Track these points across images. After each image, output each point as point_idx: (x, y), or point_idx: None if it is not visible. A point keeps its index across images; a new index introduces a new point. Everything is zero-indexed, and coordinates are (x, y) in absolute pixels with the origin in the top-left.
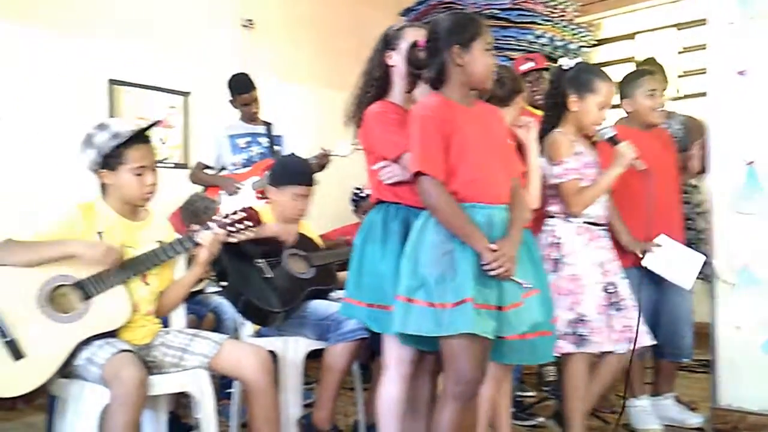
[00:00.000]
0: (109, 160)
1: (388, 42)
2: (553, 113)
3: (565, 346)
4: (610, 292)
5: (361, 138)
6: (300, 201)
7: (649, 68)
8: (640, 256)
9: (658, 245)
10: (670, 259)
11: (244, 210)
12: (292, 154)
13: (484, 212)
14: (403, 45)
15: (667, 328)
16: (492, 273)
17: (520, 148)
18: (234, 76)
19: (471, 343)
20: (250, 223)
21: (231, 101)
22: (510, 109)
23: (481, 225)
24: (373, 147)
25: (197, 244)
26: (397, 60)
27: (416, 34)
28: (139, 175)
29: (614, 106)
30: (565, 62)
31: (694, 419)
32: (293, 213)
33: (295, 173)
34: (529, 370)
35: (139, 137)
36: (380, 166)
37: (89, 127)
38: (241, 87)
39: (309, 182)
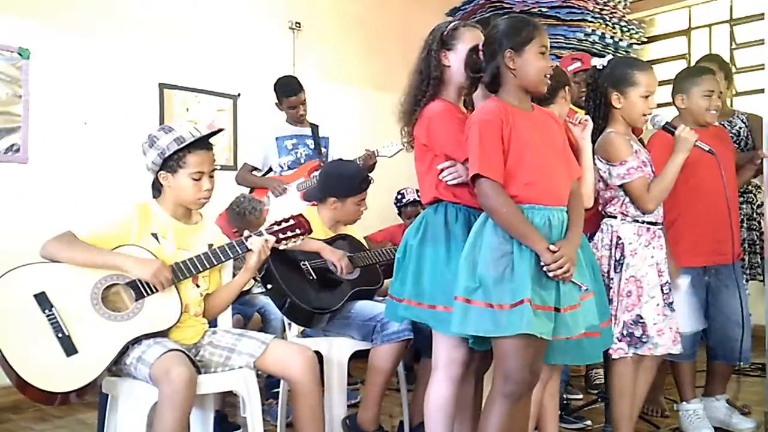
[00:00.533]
0: (170, 163)
1: (444, 41)
2: (598, 114)
3: (622, 348)
4: (666, 293)
5: (420, 136)
6: (362, 205)
7: (710, 66)
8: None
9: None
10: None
11: (293, 218)
12: (341, 160)
13: (543, 213)
14: (459, 45)
15: (718, 330)
16: (551, 274)
17: (572, 146)
18: (280, 79)
19: (525, 344)
20: (300, 231)
21: (277, 104)
22: (555, 105)
23: (539, 226)
24: (437, 146)
25: (249, 250)
26: (453, 60)
27: (472, 35)
28: (196, 179)
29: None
30: (598, 62)
31: (746, 423)
32: (354, 217)
33: (355, 181)
34: (576, 372)
35: (202, 143)
36: (444, 166)
37: (153, 129)
38: (287, 90)
39: (368, 185)
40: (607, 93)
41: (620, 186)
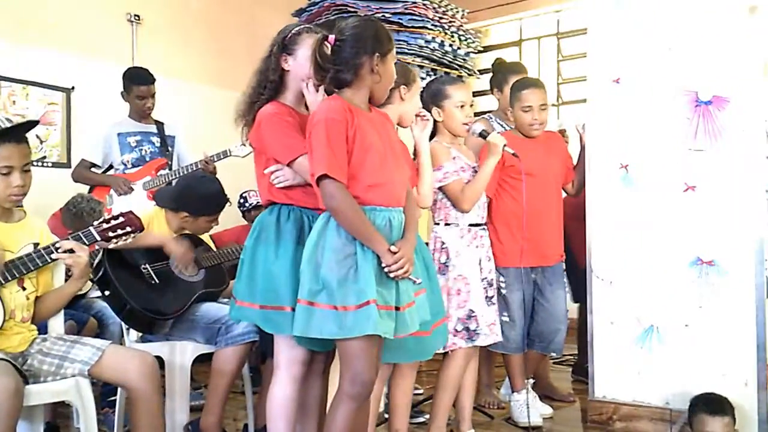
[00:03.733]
0: None
1: (285, 46)
2: None
3: (458, 342)
4: (486, 287)
5: (252, 139)
6: (214, 222)
7: (533, 80)
8: None
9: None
10: None
11: (123, 215)
12: (203, 176)
13: (384, 215)
14: (300, 51)
15: (540, 323)
16: (392, 275)
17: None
18: (131, 68)
19: (369, 345)
20: (130, 229)
21: (123, 93)
22: (392, 105)
23: (380, 228)
24: (266, 149)
25: (69, 251)
26: (292, 65)
27: (314, 41)
28: (5, 174)
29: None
30: (422, 83)
31: (545, 409)
32: (203, 232)
33: (212, 203)
34: (420, 367)
35: (11, 135)
36: (271, 170)
37: None
38: (139, 78)
39: (224, 206)
40: (429, 109)
41: (439, 189)
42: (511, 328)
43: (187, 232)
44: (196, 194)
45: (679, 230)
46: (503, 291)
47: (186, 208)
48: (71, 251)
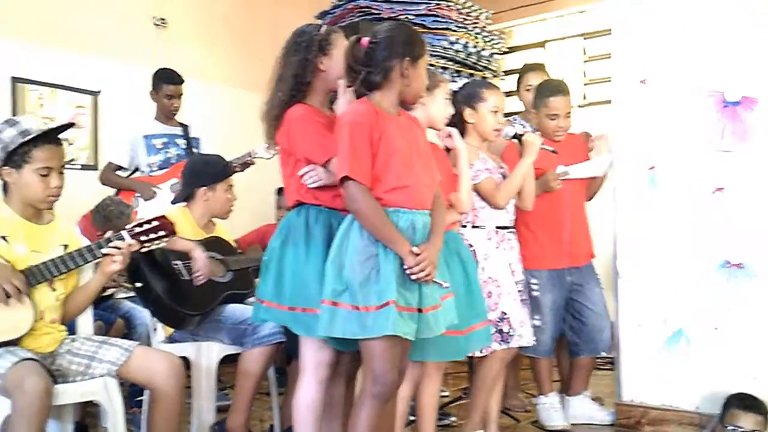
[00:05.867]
0: (14, 158)
1: (321, 46)
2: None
3: (492, 345)
4: (519, 290)
5: (281, 140)
6: (230, 192)
7: (560, 86)
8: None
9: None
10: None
11: (157, 219)
12: (199, 153)
13: (407, 217)
14: (335, 51)
15: (584, 326)
16: (413, 277)
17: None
18: (162, 68)
19: (391, 345)
20: (163, 233)
21: (152, 93)
22: (420, 109)
23: (403, 230)
24: (297, 150)
25: (106, 254)
26: (328, 65)
27: (347, 42)
28: (44, 176)
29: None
30: (454, 85)
31: (610, 416)
32: (227, 207)
33: (220, 166)
34: (446, 370)
35: (49, 137)
36: (305, 171)
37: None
38: (169, 78)
39: (233, 171)
40: (461, 110)
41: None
42: (542, 331)
43: (216, 235)
44: (202, 164)
45: (707, 232)
46: (535, 293)
47: (200, 182)
48: (117, 247)
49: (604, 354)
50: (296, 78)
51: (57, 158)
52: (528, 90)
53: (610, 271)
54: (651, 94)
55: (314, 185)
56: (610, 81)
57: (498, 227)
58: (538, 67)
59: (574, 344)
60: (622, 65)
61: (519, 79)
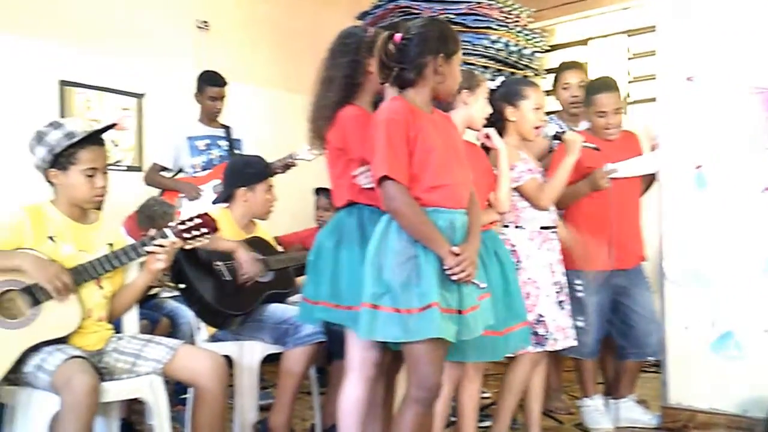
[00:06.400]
0: (60, 160)
1: (369, 49)
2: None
3: (527, 347)
4: (558, 292)
5: (336, 140)
6: (270, 193)
7: (607, 83)
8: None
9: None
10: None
11: (199, 216)
12: (239, 154)
13: (446, 217)
14: None
15: (632, 328)
16: (454, 277)
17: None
18: (207, 70)
19: (434, 348)
20: (206, 230)
21: (196, 94)
22: (457, 109)
23: (442, 229)
24: (353, 150)
25: (151, 252)
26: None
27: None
28: (90, 176)
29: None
30: (491, 84)
31: (655, 420)
32: (266, 208)
33: (260, 167)
34: (487, 371)
35: (93, 138)
36: (360, 171)
37: (40, 125)
38: (213, 79)
39: (273, 172)
40: (502, 108)
41: (514, 189)
42: (586, 333)
43: (257, 235)
44: (243, 164)
45: (755, 232)
46: (579, 294)
47: (240, 182)
48: (161, 245)
49: (651, 359)
50: (347, 79)
51: (101, 159)
52: (565, 88)
53: (656, 272)
54: (697, 91)
55: (369, 186)
56: (654, 78)
57: (541, 227)
58: (576, 65)
59: (622, 348)
60: (667, 62)
61: (556, 77)
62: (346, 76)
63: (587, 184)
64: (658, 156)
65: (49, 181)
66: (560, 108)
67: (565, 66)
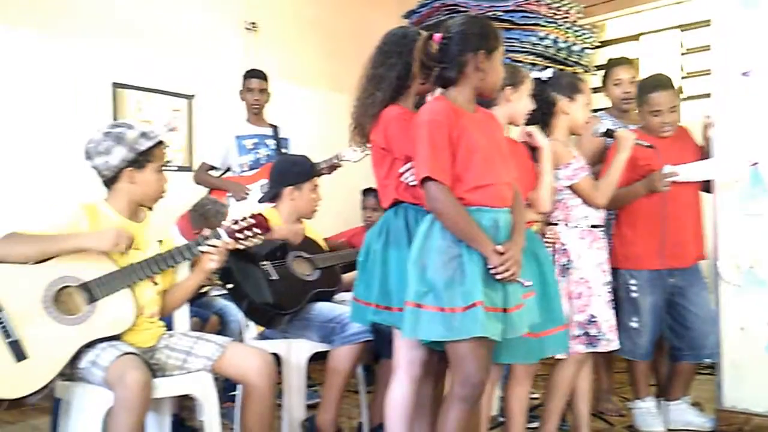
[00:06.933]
0: (139, 158)
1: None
2: (543, 124)
3: (577, 347)
4: (609, 291)
5: (379, 140)
6: (316, 193)
7: (661, 80)
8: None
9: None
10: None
11: (253, 217)
12: (286, 154)
13: (490, 216)
14: None
15: (689, 330)
16: (498, 276)
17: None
18: (249, 69)
19: (479, 346)
20: (259, 231)
21: (240, 92)
22: (498, 107)
23: (486, 228)
24: (398, 148)
25: (204, 252)
26: None
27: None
28: (160, 173)
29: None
30: (540, 74)
31: (709, 423)
32: (312, 207)
33: (306, 167)
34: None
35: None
36: (406, 169)
37: (104, 128)
38: (251, 73)
39: (319, 171)
40: (556, 100)
41: (568, 187)
42: (640, 334)
43: (305, 235)
44: (290, 163)
45: None
46: (634, 294)
47: (288, 182)
48: (214, 246)
49: (708, 361)
50: (399, 81)
51: (165, 157)
52: (616, 85)
53: (710, 272)
54: (754, 86)
55: (415, 183)
56: (709, 74)
57: (592, 226)
58: (626, 61)
59: (677, 349)
60: (722, 57)
61: (605, 74)
62: (399, 77)
63: (645, 186)
64: (720, 162)
65: (106, 182)
66: (610, 105)
67: (616, 62)
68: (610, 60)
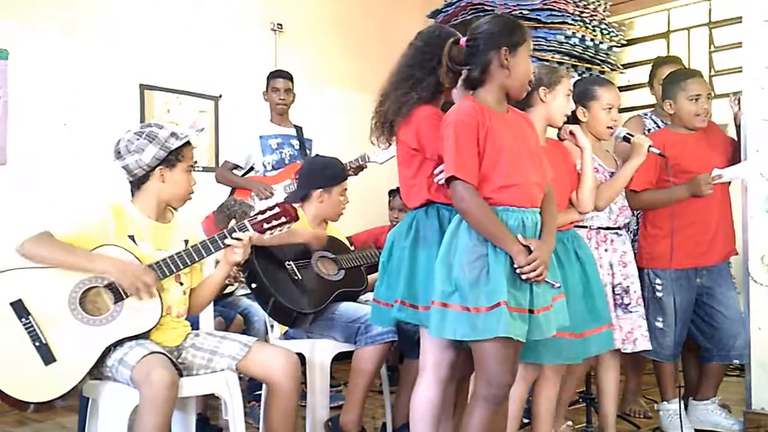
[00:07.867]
0: (170, 157)
1: None
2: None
3: None
4: (617, 294)
5: (409, 140)
6: (344, 197)
7: (693, 70)
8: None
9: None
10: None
11: (279, 205)
12: (317, 155)
13: (517, 215)
14: None
15: (717, 330)
16: (524, 277)
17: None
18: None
19: (503, 347)
20: (285, 219)
21: (264, 93)
22: (533, 108)
23: (513, 228)
24: (430, 148)
25: (228, 245)
26: None
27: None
28: (188, 173)
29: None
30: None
31: (738, 425)
32: (339, 210)
33: (338, 169)
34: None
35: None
36: (441, 169)
37: (136, 127)
38: (275, 73)
39: (348, 174)
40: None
41: None
42: (666, 334)
43: (329, 234)
44: (321, 166)
45: None
46: (659, 294)
47: (317, 184)
48: (239, 239)
49: (737, 362)
50: (439, 84)
51: (193, 158)
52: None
53: (740, 272)
54: None
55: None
56: (740, 71)
57: (600, 228)
58: (674, 60)
59: (705, 350)
60: (753, 54)
61: (652, 72)
62: (438, 82)
63: (689, 189)
64: (756, 162)
65: (134, 182)
66: (656, 103)
67: (662, 60)
68: (658, 58)
